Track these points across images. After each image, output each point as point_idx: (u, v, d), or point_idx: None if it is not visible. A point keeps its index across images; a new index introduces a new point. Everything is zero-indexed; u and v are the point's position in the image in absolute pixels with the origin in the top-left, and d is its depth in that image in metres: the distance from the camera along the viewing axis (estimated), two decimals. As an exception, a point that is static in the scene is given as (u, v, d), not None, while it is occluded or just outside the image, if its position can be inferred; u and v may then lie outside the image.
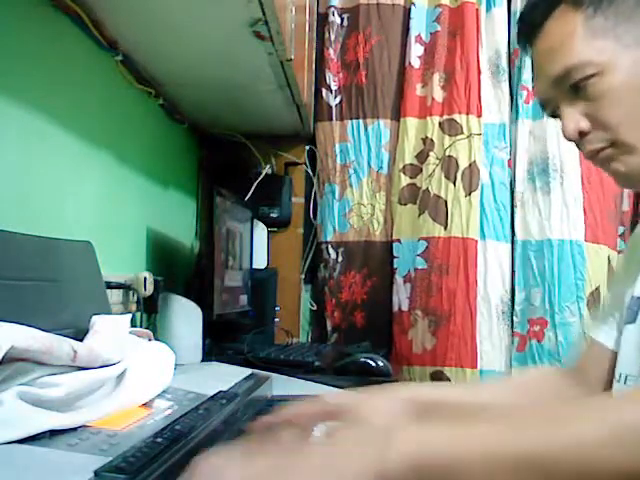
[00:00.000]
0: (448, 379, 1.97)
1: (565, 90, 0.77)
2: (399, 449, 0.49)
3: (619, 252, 2.04)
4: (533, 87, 0.85)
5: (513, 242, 2.06)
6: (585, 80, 0.75)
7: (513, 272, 2.05)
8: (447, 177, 2.06)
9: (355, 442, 0.52)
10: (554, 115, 0.82)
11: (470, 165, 2.05)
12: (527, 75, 2.06)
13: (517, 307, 2.02)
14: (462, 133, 2.06)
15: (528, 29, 0.81)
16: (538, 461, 0.48)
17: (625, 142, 0.75)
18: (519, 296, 2.02)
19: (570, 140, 0.79)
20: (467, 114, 2.06)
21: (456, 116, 2.07)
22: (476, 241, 2.04)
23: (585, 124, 0.77)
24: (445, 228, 2.04)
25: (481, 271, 2.03)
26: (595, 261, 2.00)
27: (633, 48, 0.74)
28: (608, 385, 0.84)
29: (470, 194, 2.04)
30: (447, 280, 2.01)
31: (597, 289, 1.99)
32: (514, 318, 2.02)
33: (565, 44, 0.76)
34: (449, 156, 2.06)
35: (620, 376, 0.80)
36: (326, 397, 0.78)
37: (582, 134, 0.78)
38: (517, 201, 2.05)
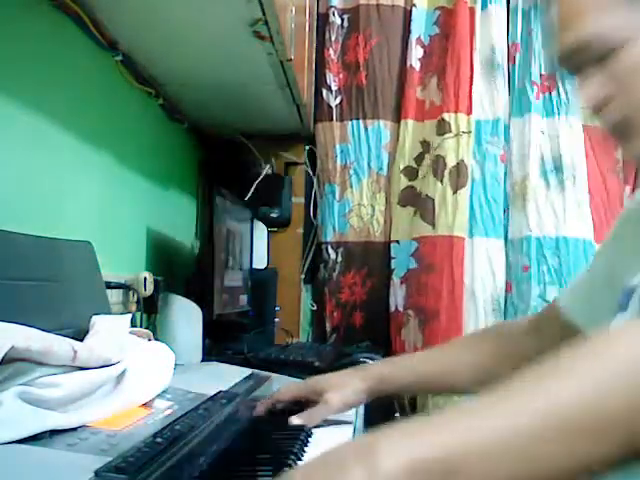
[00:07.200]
0: None
1: (584, 58, 0.71)
2: (390, 460, 0.44)
3: None
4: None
5: (506, 238, 2.05)
6: (604, 54, 0.69)
7: (510, 268, 2.04)
8: (435, 176, 2.05)
9: (338, 465, 0.45)
10: (571, 73, 0.76)
11: (458, 163, 2.03)
12: (536, 69, 2.05)
13: (532, 303, 1.97)
14: (450, 131, 2.05)
15: None
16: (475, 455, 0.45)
17: (636, 125, 0.70)
18: (533, 292, 1.98)
19: (587, 109, 0.75)
20: (455, 112, 2.04)
21: (445, 115, 2.06)
22: (463, 239, 2.02)
23: (604, 92, 0.71)
24: (433, 227, 2.03)
25: (468, 268, 2.01)
26: None
27: None
28: None
29: (456, 192, 2.02)
30: (433, 278, 2.00)
31: None
32: (519, 315, 1.98)
33: (588, 11, 0.69)
34: (437, 155, 2.05)
35: None
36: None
37: (597, 108, 0.72)
38: (529, 197, 2.02)
